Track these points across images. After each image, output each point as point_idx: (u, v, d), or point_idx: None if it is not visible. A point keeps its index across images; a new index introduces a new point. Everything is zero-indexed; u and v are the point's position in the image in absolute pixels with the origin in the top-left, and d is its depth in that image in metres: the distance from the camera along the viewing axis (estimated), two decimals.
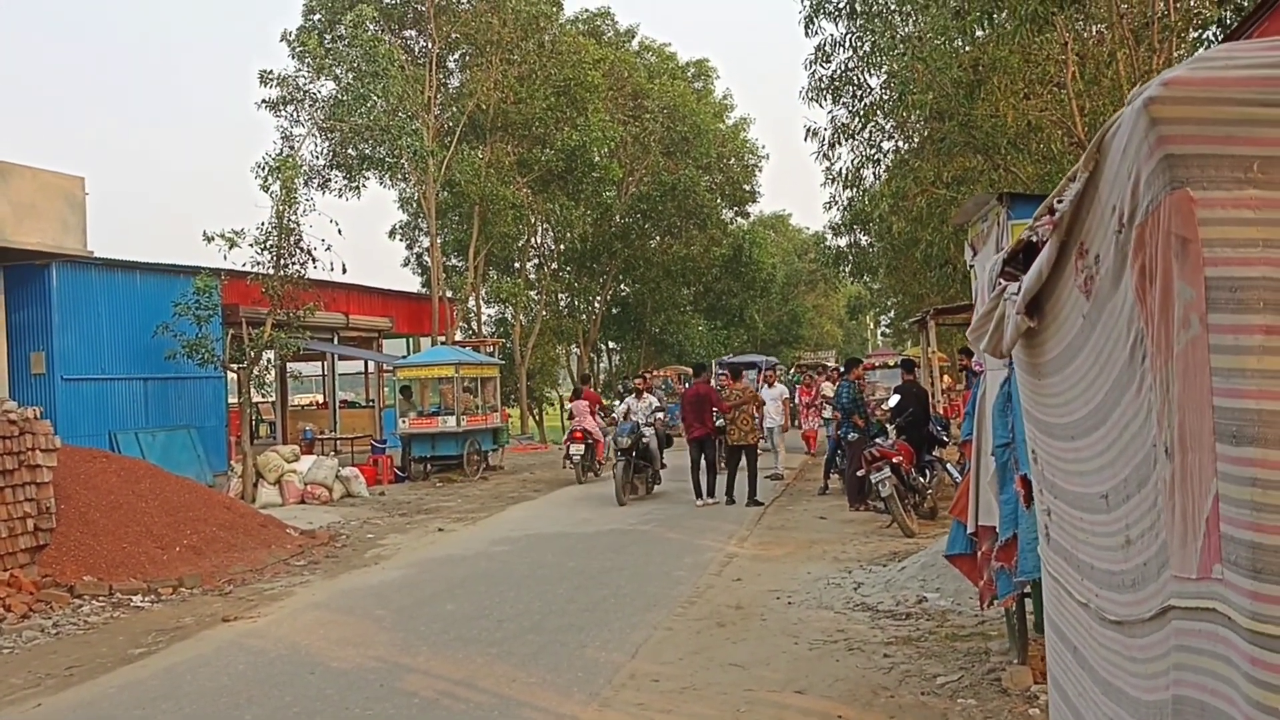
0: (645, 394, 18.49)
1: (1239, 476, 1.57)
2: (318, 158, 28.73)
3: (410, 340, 31.17)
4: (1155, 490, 1.81)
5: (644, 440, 16.95)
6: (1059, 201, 2.09)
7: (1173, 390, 1.67)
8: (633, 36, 39.59)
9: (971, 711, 6.15)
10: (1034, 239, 2.39)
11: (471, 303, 34.35)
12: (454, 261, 35.83)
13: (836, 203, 24.77)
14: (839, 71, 20.01)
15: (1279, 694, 1.52)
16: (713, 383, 20.07)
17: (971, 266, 7.24)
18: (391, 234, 38.49)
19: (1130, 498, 1.97)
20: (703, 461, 16.35)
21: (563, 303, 40.83)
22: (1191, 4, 15.08)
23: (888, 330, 56.39)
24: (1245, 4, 11.52)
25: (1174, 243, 1.62)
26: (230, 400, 22.05)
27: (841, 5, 19.16)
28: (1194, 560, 1.68)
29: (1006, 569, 6.05)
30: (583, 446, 20.02)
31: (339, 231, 27.01)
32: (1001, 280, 2.83)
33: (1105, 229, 1.89)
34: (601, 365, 46.46)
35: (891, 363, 27.92)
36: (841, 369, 18.41)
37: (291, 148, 20.50)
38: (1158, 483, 1.79)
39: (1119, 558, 2.09)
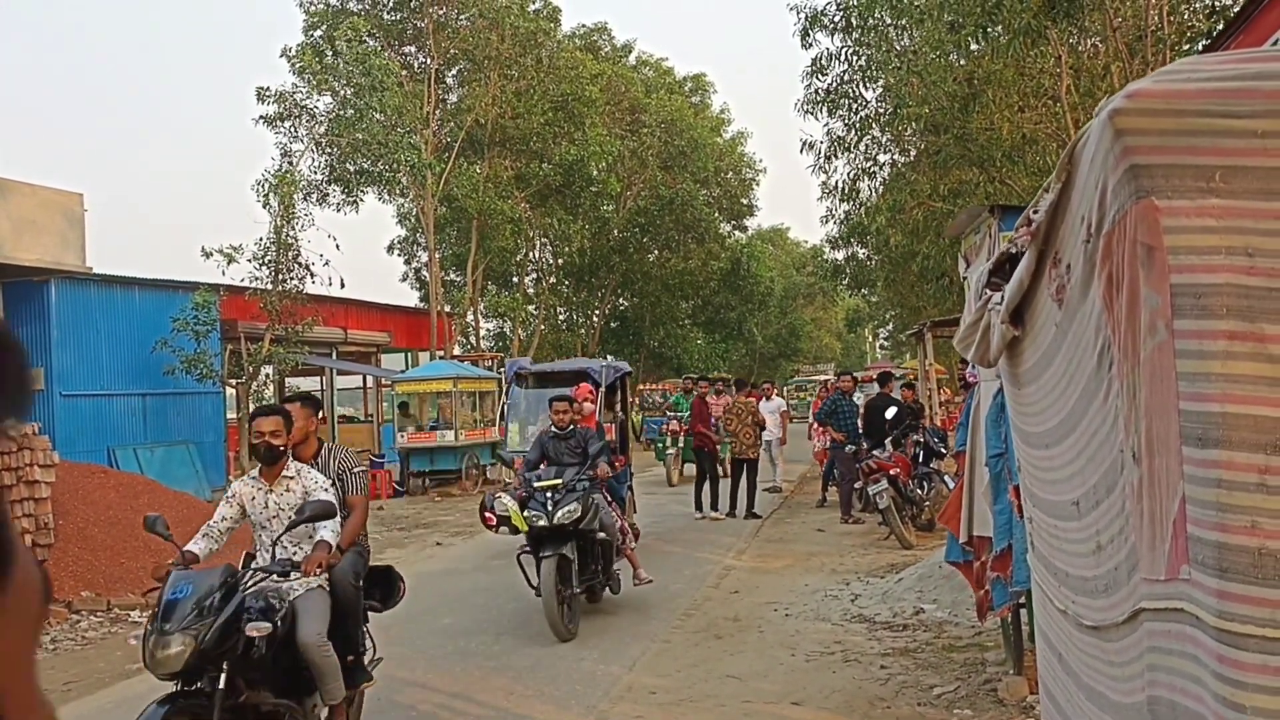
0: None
1: (1205, 479, 1.61)
2: (316, 173, 28.86)
3: (409, 355, 31.19)
4: (1123, 495, 1.85)
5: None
6: (1035, 212, 2.13)
7: (1140, 396, 1.71)
8: (630, 51, 39.77)
9: None
10: (1013, 250, 2.43)
11: (470, 317, 34.39)
12: (452, 276, 35.88)
13: (834, 216, 24.87)
14: (835, 84, 20.12)
15: (1245, 690, 1.55)
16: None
17: (965, 278, 7.28)
18: (390, 249, 38.56)
19: (1100, 504, 2.00)
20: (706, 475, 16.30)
21: (561, 317, 40.89)
22: (1185, 17, 15.18)
23: (886, 343, 56.46)
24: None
25: (1140, 251, 1.66)
26: (229, 415, 22.08)
27: (837, 19, 19.27)
28: (1162, 562, 1.71)
29: (1002, 579, 6.07)
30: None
31: (337, 246, 27.03)
32: (987, 290, 2.87)
33: (1076, 238, 1.93)
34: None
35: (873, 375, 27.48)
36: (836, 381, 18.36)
37: (290, 163, 20.56)
38: (1125, 488, 1.83)
39: (1091, 563, 2.12)
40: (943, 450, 14.61)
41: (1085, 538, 2.11)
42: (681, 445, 20.76)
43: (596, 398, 12.49)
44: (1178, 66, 1.73)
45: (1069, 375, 2.09)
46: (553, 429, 9.63)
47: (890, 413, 14.51)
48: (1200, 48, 13.63)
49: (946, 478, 14.21)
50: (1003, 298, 2.64)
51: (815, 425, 20.46)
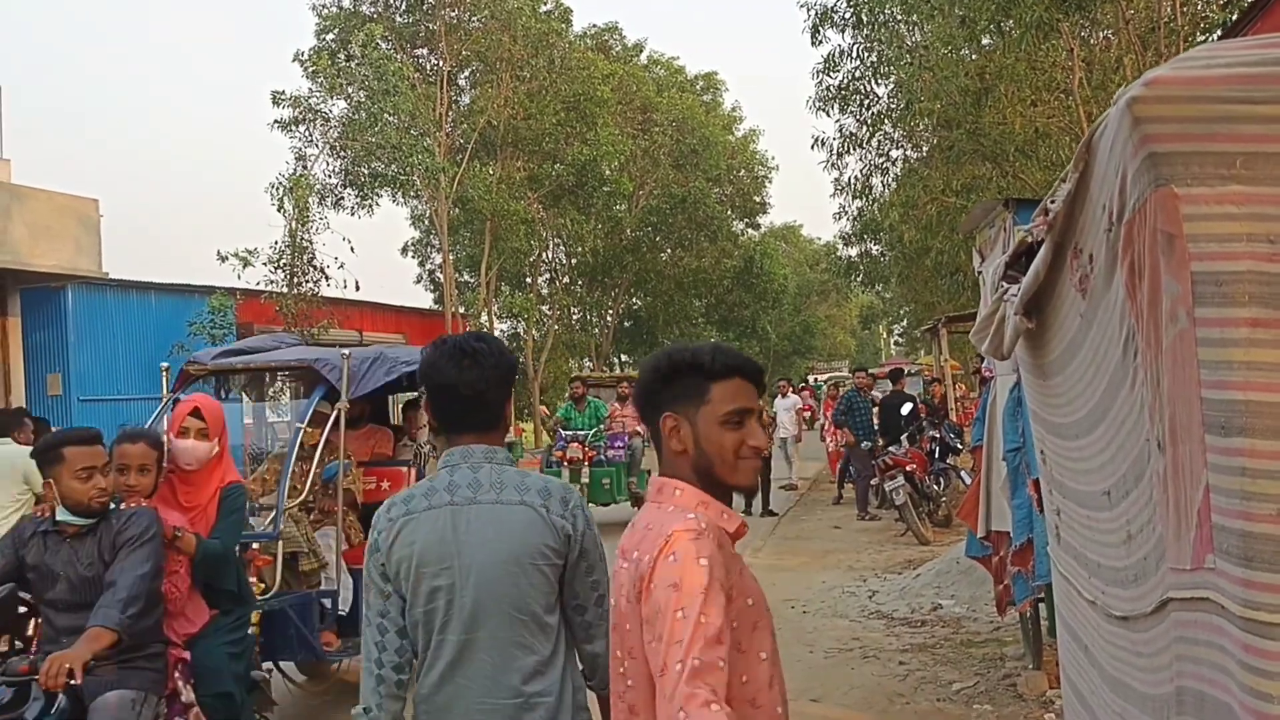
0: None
1: (1228, 467, 1.60)
2: (330, 176, 28.99)
3: None
4: (1151, 484, 1.84)
5: None
6: (1052, 202, 2.13)
7: (1163, 384, 1.70)
8: (641, 51, 39.72)
9: (988, 717, 6.15)
10: (1029, 238, 2.43)
11: (484, 318, 34.45)
12: (466, 277, 35.94)
13: (846, 212, 24.83)
14: (846, 81, 20.07)
15: (1272, 680, 1.54)
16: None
17: (980, 273, 7.25)
18: (404, 251, 38.58)
19: (1129, 493, 2.00)
20: None
21: (575, 317, 40.89)
22: (1198, 8, 15.10)
23: (900, 339, 56.32)
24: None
25: (1160, 239, 1.65)
26: (246, 420, 22.14)
27: (848, 15, 19.23)
28: (1188, 551, 1.70)
29: (1023, 574, 6.04)
30: None
31: (352, 249, 27.06)
32: (1004, 283, 2.87)
33: (1097, 228, 1.92)
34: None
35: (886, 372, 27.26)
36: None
37: (305, 167, 20.67)
38: (1152, 476, 1.82)
39: (1121, 553, 2.11)
40: (959, 446, 14.59)
41: (1116, 527, 2.11)
42: (587, 480, 13.87)
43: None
44: (1196, 53, 1.72)
45: (1096, 365, 2.09)
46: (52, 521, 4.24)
47: (905, 409, 14.49)
48: (1215, 38, 13.56)
49: (963, 473, 14.18)
50: (1019, 290, 2.64)
51: (830, 427, 19.96)
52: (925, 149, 20.93)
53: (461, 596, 2.51)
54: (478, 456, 2.60)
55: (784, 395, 20.14)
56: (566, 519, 2.56)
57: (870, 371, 18.40)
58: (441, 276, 32.48)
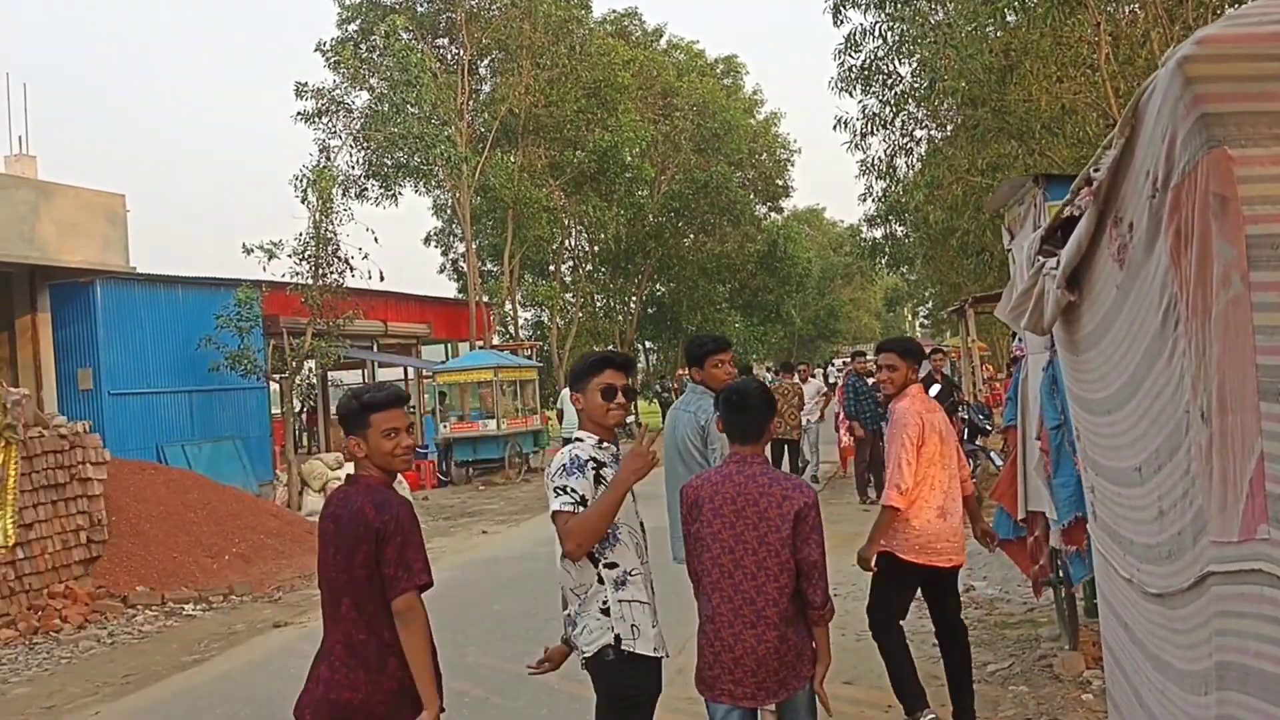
0: None
1: None
2: (354, 167, 29.05)
3: (448, 345, 31.35)
4: (1188, 458, 1.79)
5: None
6: (1095, 170, 2.08)
7: (1210, 353, 1.65)
8: (661, 35, 39.61)
9: (1024, 698, 6.11)
10: (1075, 213, 2.38)
11: (508, 307, 34.48)
12: (489, 266, 35.98)
13: (871, 194, 24.66)
14: (868, 61, 19.88)
15: None
16: None
17: (1009, 250, 7.18)
18: (427, 240, 38.70)
19: (1162, 468, 1.95)
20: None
21: (599, 304, 40.87)
22: None
23: (926, 321, 56.03)
24: None
25: (1213, 202, 1.60)
26: (274, 410, 22.27)
27: None
28: (1235, 523, 1.66)
29: (1080, 552, 5.92)
30: None
31: (376, 240, 27.08)
32: (1040, 257, 2.82)
33: (1139, 195, 1.87)
34: (640, 365, 46.53)
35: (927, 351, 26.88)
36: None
37: (328, 159, 20.72)
38: (1191, 450, 1.77)
39: (1154, 530, 2.07)
40: (988, 427, 14.50)
41: (1148, 504, 2.06)
42: None
43: None
44: (1249, 9, 1.67)
45: (1131, 337, 2.04)
46: None
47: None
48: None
49: (993, 454, 14.10)
50: (1058, 263, 2.59)
51: (841, 417, 19.06)
52: (950, 128, 20.71)
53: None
54: (698, 392, 5.59)
55: (804, 380, 19.90)
56: (698, 416, 5.52)
57: (864, 354, 17.80)
58: (465, 266, 32.53)
